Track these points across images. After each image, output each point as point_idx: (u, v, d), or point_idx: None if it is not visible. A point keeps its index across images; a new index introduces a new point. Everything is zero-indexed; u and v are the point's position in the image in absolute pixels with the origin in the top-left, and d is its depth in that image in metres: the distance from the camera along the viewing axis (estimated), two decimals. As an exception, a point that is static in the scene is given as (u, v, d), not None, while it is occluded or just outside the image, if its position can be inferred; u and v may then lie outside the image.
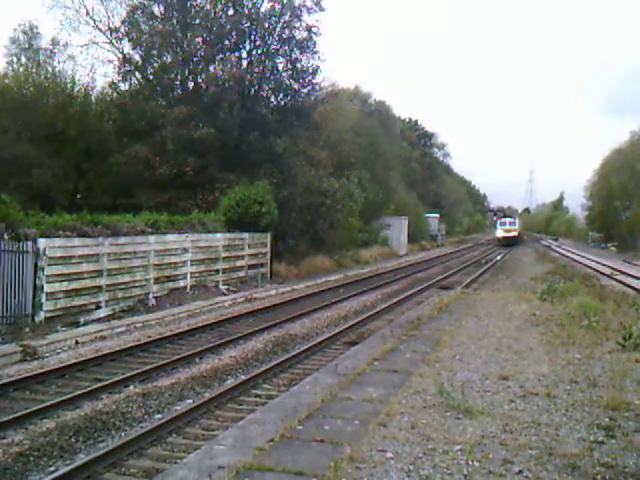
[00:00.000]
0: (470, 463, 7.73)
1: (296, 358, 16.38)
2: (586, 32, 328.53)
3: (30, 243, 18.74)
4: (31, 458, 9.70)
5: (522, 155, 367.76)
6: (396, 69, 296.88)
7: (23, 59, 38.10)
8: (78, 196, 35.16)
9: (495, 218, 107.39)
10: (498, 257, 61.22)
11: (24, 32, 38.52)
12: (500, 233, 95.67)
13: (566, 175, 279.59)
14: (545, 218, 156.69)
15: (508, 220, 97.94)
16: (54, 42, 38.20)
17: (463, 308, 21.61)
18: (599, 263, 51.17)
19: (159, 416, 11.85)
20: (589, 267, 48.36)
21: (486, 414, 9.63)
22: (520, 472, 7.51)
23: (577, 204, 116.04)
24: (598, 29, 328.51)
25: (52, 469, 9.35)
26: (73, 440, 10.47)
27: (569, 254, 66.50)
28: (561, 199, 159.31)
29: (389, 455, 7.96)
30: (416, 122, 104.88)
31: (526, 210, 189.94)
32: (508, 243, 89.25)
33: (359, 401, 10.37)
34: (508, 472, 7.51)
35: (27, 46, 38.54)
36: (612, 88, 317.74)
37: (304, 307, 24.63)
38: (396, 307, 25.94)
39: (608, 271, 43.51)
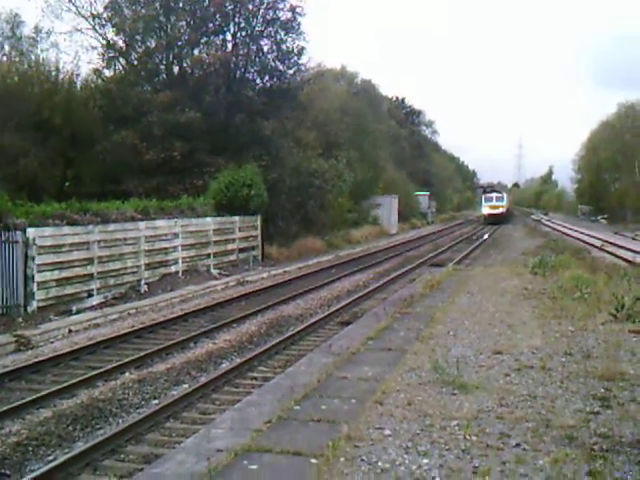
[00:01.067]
0: (468, 438, 7.76)
1: (290, 339, 16.41)
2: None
3: (19, 233, 18.66)
4: (29, 447, 9.70)
5: (511, 130, 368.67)
6: (381, 47, 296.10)
7: (6, 48, 37.78)
8: (66, 184, 34.96)
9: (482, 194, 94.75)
10: (489, 233, 61.34)
11: (6, 21, 38.17)
12: (485, 210, 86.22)
13: (555, 149, 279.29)
14: (535, 192, 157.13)
15: (495, 195, 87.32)
16: (37, 30, 37.91)
17: (455, 285, 21.65)
18: (589, 236, 51.35)
19: (156, 402, 11.86)
20: (580, 240, 48.55)
21: (482, 389, 9.66)
22: (518, 445, 7.55)
23: (566, 178, 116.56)
24: None
25: (51, 458, 9.36)
26: (71, 428, 10.48)
27: (559, 228, 66.71)
28: (550, 173, 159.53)
29: (387, 432, 7.98)
30: (403, 100, 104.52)
31: (515, 185, 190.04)
32: (495, 221, 79.86)
33: (355, 380, 10.38)
34: (506, 445, 7.55)
35: (10, 35, 38.18)
36: (599, 57, 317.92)
37: (297, 288, 24.66)
38: (389, 286, 25.99)
39: (599, 243, 43.66)
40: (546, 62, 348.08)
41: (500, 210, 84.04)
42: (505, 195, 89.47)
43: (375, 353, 12.29)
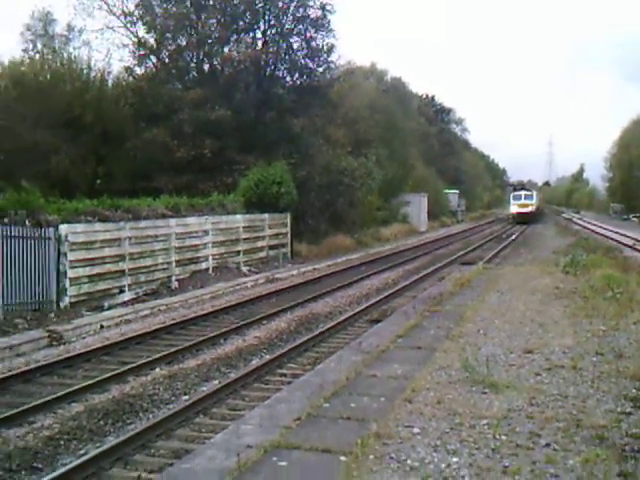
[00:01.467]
0: (497, 437, 7.74)
1: (320, 337, 16.41)
2: None
3: (52, 229, 18.84)
4: (61, 442, 9.80)
5: (541, 128, 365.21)
6: (412, 45, 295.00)
7: (39, 46, 38.16)
8: (97, 181, 35.26)
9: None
10: (519, 232, 60.91)
11: (39, 19, 38.56)
12: (514, 208, 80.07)
13: (586, 147, 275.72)
14: (565, 191, 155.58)
15: (524, 193, 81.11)
16: (69, 28, 38.30)
17: (485, 283, 21.56)
18: (621, 235, 50.76)
19: (186, 397, 11.93)
20: (611, 239, 48.01)
21: (512, 388, 9.62)
22: (548, 445, 7.51)
23: (598, 176, 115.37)
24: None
25: (82, 452, 9.45)
26: (102, 423, 10.57)
27: (590, 226, 66.04)
28: (581, 171, 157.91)
29: (416, 430, 7.98)
30: (433, 98, 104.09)
31: (546, 183, 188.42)
32: (523, 220, 75.24)
33: (384, 378, 10.39)
34: (536, 445, 7.51)
35: (43, 33, 38.58)
36: (629, 52, 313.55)
37: (326, 286, 24.67)
38: (418, 284, 25.92)
39: (631, 242, 43.16)
40: (576, 58, 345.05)
41: (529, 209, 78.68)
42: (534, 193, 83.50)
43: (405, 351, 12.28)
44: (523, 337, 13.04)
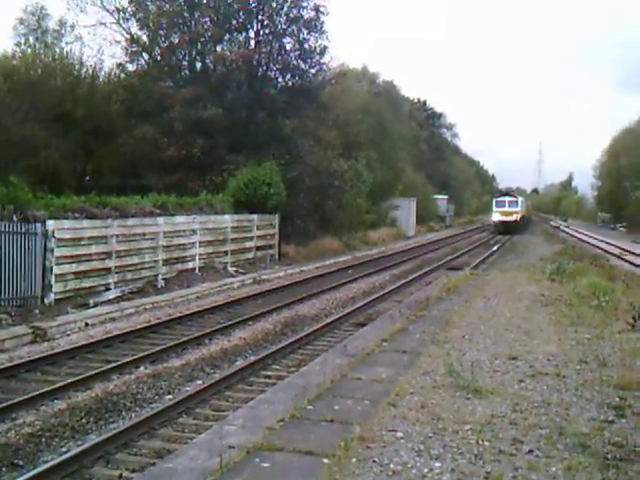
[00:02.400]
0: (480, 443, 7.74)
1: (305, 339, 16.40)
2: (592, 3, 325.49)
3: (39, 225, 18.74)
4: (43, 439, 9.75)
5: (531, 136, 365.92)
6: (404, 49, 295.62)
7: (31, 40, 37.99)
8: (87, 177, 35.19)
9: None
10: (506, 238, 61.04)
11: (32, 13, 38.41)
12: (496, 216, 72.26)
13: (575, 155, 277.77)
14: (554, 198, 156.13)
15: (507, 199, 73.51)
16: (62, 23, 38.15)
17: (472, 289, 21.60)
18: (608, 244, 50.99)
19: (169, 397, 11.89)
20: (598, 247, 48.23)
21: (496, 394, 9.64)
22: (531, 451, 7.53)
23: (586, 184, 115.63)
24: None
25: (64, 450, 9.40)
26: (84, 421, 10.52)
27: (578, 235, 66.33)
28: (570, 179, 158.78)
29: (399, 435, 7.98)
30: (424, 102, 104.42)
31: (535, 190, 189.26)
32: (507, 230, 67.82)
33: (369, 381, 10.39)
34: (519, 451, 7.52)
35: (36, 27, 38.42)
36: (619, 61, 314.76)
37: (313, 288, 24.67)
38: (405, 288, 25.95)
39: (617, 251, 43.35)
40: (566, 67, 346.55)
41: (514, 217, 70.88)
42: (520, 200, 75.53)
43: (390, 355, 12.28)
44: (508, 343, 13.07)
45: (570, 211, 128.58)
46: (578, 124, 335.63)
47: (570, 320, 15.57)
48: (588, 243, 53.74)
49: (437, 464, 7.14)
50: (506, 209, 70.92)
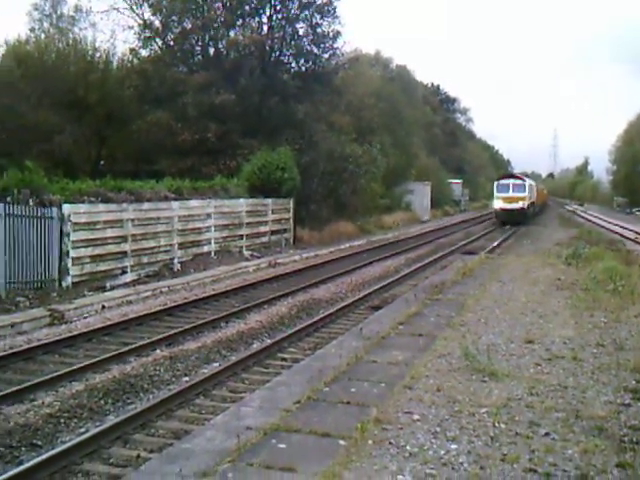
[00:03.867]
0: (497, 425, 7.76)
1: (321, 322, 16.42)
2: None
3: (55, 209, 18.84)
4: (61, 420, 9.82)
5: (546, 119, 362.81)
6: (418, 33, 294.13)
7: (45, 26, 38.12)
8: (101, 162, 35.30)
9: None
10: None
11: (47, -1, 38.54)
12: (497, 203, 56.86)
13: (591, 140, 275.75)
14: (569, 183, 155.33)
15: (512, 182, 56.89)
16: (77, 9, 38.23)
17: (487, 273, 21.56)
18: (624, 228, 50.75)
19: (186, 379, 11.96)
20: (614, 232, 48.01)
21: (512, 377, 9.64)
22: (547, 434, 7.54)
23: (602, 169, 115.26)
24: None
25: (82, 430, 9.48)
26: (102, 402, 10.60)
27: (594, 219, 65.98)
28: (586, 164, 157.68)
29: (415, 417, 8.01)
30: (438, 87, 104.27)
31: (550, 175, 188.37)
32: (510, 220, 54.35)
33: (384, 364, 10.41)
34: (535, 434, 7.54)
35: (50, 13, 38.53)
36: (636, 46, 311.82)
37: (328, 272, 24.67)
38: (420, 272, 25.91)
39: (633, 235, 43.16)
40: (583, 50, 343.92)
41: (520, 204, 55.26)
42: (528, 183, 58.85)
43: (405, 338, 12.30)
44: (524, 327, 13.06)
45: (586, 196, 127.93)
46: (594, 109, 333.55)
47: (586, 304, 15.52)
48: (604, 227, 53.47)
49: (453, 446, 7.17)
50: (510, 194, 55.40)
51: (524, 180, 58.75)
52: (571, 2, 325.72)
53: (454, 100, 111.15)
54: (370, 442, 7.22)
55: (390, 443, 7.21)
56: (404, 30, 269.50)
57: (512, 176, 61.56)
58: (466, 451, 7.04)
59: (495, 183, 58.91)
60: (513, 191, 55.40)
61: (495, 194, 57.22)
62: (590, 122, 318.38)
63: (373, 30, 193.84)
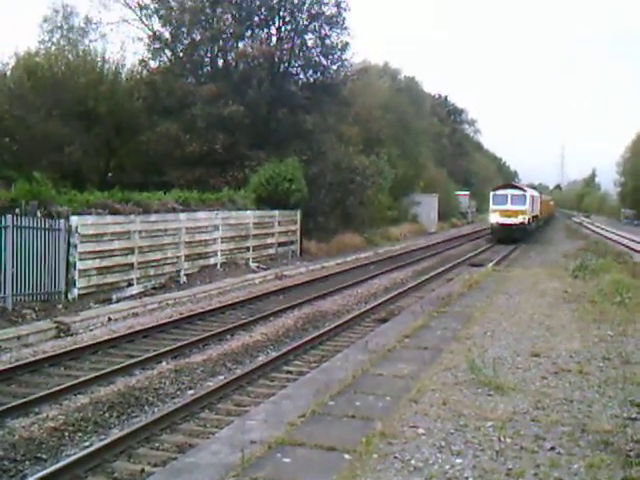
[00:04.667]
0: (502, 439, 7.73)
1: (326, 335, 16.41)
2: None
3: (62, 221, 18.88)
4: (66, 433, 9.82)
5: (554, 131, 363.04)
6: (426, 44, 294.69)
7: (56, 37, 38.33)
8: (109, 174, 35.40)
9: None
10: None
11: (56, 10, 38.75)
12: (494, 217, 49.55)
13: (599, 151, 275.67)
14: (577, 195, 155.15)
15: (510, 193, 49.53)
16: (87, 20, 38.45)
17: (494, 285, 21.53)
18: (632, 240, 50.62)
19: (191, 392, 11.95)
20: (621, 244, 47.89)
21: (518, 391, 9.61)
22: (552, 448, 7.50)
23: (609, 181, 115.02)
24: None
25: (87, 444, 9.47)
26: (107, 415, 10.60)
27: (601, 231, 65.82)
28: (593, 175, 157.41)
29: (421, 431, 7.98)
30: (446, 98, 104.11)
31: (557, 187, 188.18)
32: (508, 237, 47.50)
33: (390, 377, 10.39)
34: (540, 449, 7.50)
35: (61, 25, 38.76)
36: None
37: (334, 284, 24.65)
38: (426, 284, 25.89)
39: (641, 248, 43.02)
40: (592, 60, 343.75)
41: (519, 219, 48.14)
42: (529, 194, 50.81)
43: (411, 351, 12.28)
44: (530, 340, 13.02)
45: (593, 207, 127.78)
46: (602, 121, 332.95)
47: (593, 317, 15.48)
48: (611, 239, 53.35)
49: (458, 460, 7.14)
50: (508, 207, 48.23)
51: (524, 190, 51.31)
52: (579, 13, 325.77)
53: (462, 111, 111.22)
54: (375, 456, 7.20)
55: (395, 457, 7.19)
56: (413, 42, 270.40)
57: (511, 186, 53.91)
58: (471, 465, 7.01)
59: (491, 194, 51.58)
60: (512, 203, 48.36)
61: (491, 206, 50.49)
62: (598, 134, 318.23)
63: (382, 41, 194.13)
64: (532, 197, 52.38)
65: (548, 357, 11.63)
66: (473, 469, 6.92)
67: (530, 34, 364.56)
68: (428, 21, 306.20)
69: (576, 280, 22.16)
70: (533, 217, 52.24)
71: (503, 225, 48.06)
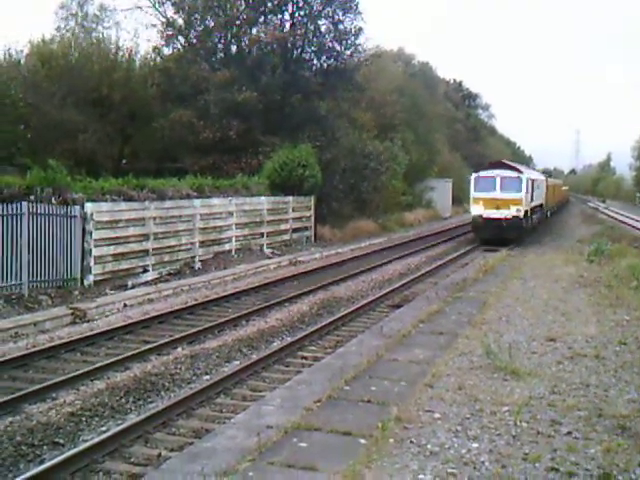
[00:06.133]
0: (518, 424, 7.73)
1: (341, 320, 16.41)
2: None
3: (78, 207, 18.93)
4: (83, 418, 9.88)
5: (569, 115, 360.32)
6: (440, 29, 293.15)
7: (71, 24, 38.40)
8: (123, 161, 35.46)
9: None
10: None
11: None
12: (476, 209, 35.16)
13: (615, 135, 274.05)
14: (592, 179, 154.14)
15: (500, 175, 34.73)
16: (102, 8, 38.47)
17: (508, 270, 21.48)
18: (648, 224, 50.30)
19: (207, 377, 11.99)
20: (637, 228, 47.62)
21: (534, 375, 9.60)
22: (569, 433, 7.49)
23: (625, 165, 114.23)
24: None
25: (104, 429, 9.53)
26: (123, 401, 10.65)
27: (616, 216, 65.44)
28: (608, 160, 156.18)
29: (436, 416, 7.99)
30: (460, 83, 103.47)
31: (572, 171, 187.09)
32: (496, 236, 34.00)
33: (405, 362, 10.40)
34: (557, 433, 7.50)
35: (76, 12, 38.83)
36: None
37: (348, 270, 24.64)
38: (441, 269, 25.84)
39: (657, 233, 42.73)
40: (603, 46, 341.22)
41: (511, 211, 33.91)
42: (525, 177, 35.35)
43: (426, 336, 12.27)
44: (546, 325, 12.99)
45: (608, 192, 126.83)
46: (617, 104, 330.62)
47: (609, 301, 15.43)
48: (627, 224, 53.05)
49: (475, 445, 7.14)
50: (496, 195, 34.30)
51: (520, 173, 35.87)
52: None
53: (476, 96, 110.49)
54: (391, 441, 7.21)
55: (411, 442, 7.20)
56: (427, 26, 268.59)
57: (501, 165, 38.11)
58: (487, 450, 7.01)
59: (473, 176, 37.20)
60: (502, 189, 34.26)
61: (472, 193, 35.89)
62: (613, 117, 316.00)
63: (396, 26, 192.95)
64: (531, 181, 37.85)
65: (564, 342, 11.61)
66: (489, 453, 6.92)
67: (544, 18, 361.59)
68: (443, 6, 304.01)
69: (591, 265, 22.09)
70: (534, 208, 39.41)
71: (489, 220, 34.27)
